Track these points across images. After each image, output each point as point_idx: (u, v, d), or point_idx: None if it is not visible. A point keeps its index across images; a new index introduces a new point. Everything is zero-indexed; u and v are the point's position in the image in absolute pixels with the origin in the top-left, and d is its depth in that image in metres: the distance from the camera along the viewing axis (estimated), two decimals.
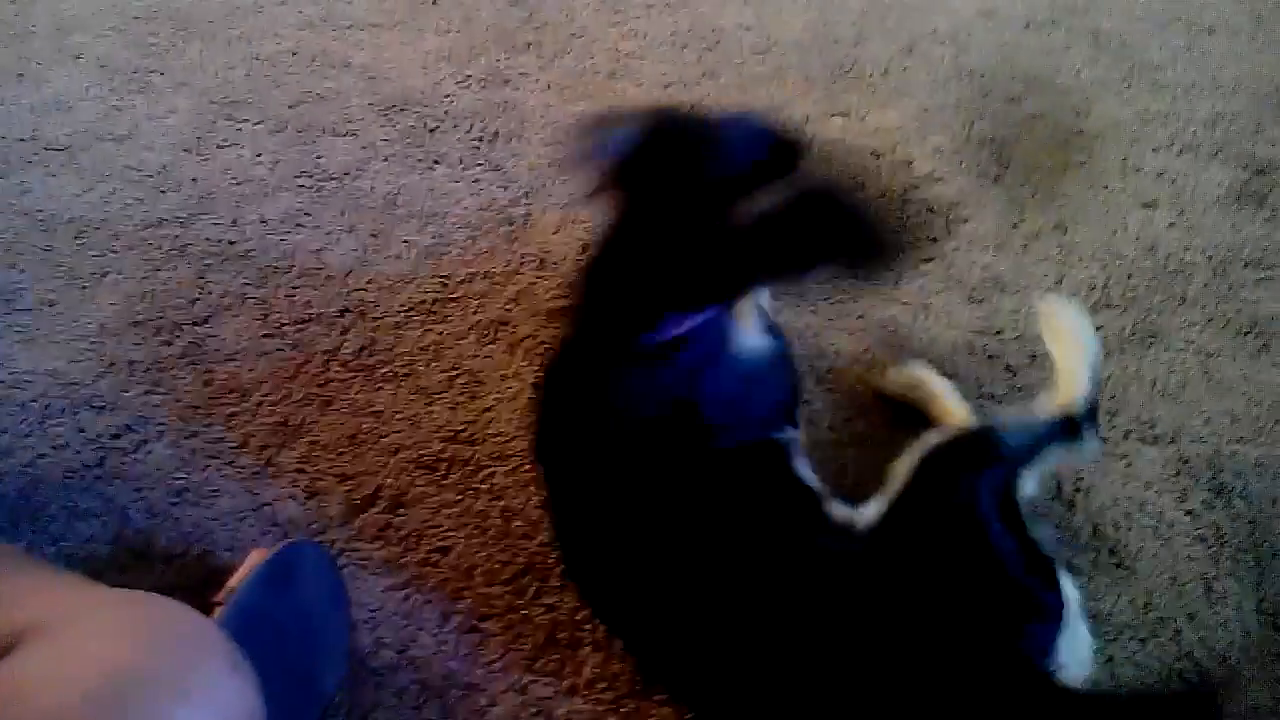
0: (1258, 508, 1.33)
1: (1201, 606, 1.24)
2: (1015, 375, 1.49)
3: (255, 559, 1.16)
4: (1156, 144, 1.88)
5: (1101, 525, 1.31)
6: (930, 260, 1.67)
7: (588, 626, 1.24)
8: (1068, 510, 1.33)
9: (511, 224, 1.75)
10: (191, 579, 1.28)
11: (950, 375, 1.44)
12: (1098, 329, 1.54)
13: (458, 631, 1.24)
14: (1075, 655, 1.00)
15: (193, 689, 0.79)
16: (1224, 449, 1.40)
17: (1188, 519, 1.33)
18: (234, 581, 1.13)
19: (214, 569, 1.29)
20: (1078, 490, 1.35)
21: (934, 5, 2.24)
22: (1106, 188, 1.80)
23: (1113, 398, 1.46)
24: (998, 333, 1.55)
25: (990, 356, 1.52)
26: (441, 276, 1.66)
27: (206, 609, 1.10)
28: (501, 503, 1.37)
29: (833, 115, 1.96)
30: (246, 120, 1.96)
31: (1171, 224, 1.72)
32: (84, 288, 1.63)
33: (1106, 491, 1.35)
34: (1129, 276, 1.64)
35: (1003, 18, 2.20)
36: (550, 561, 1.30)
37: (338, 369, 1.53)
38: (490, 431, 1.45)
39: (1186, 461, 1.39)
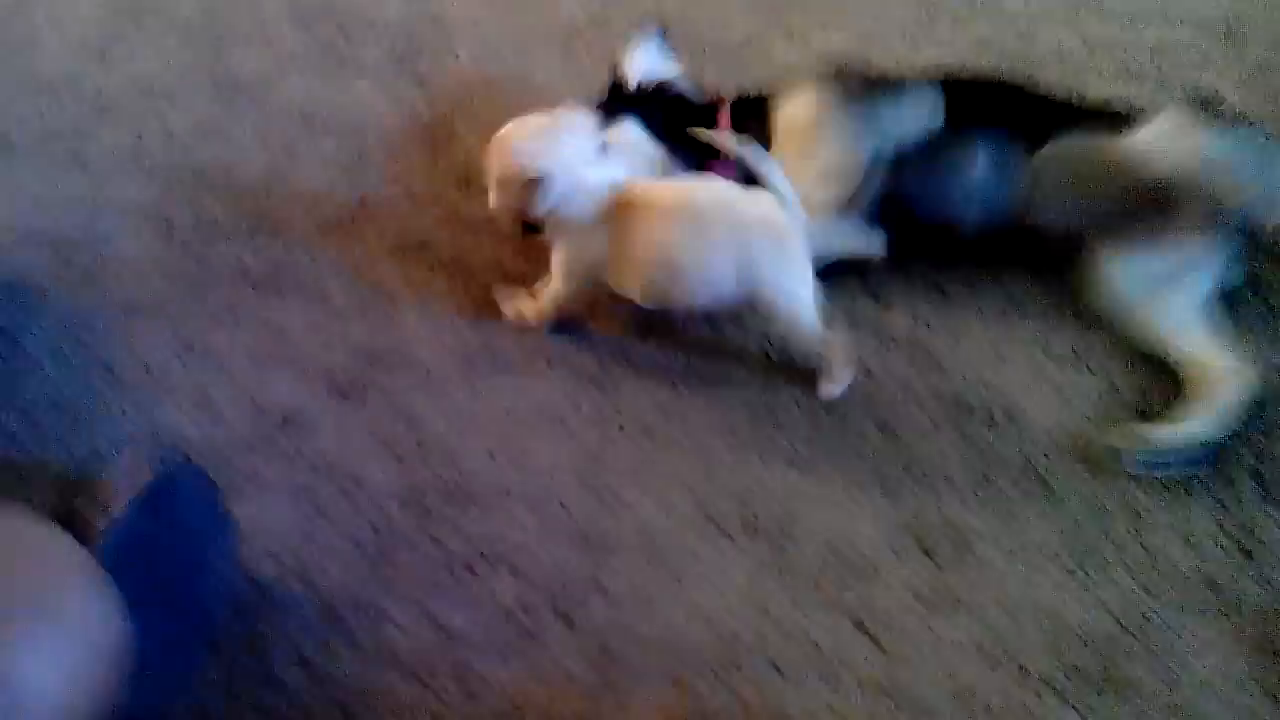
0: None
1: (1126, 534, 1.22)
2: None
3: (128, 463, 1.07)
4: (1101, 71, 1.84)
5: (1032, 455, 1.29)
6: None
7: (508, 553, 1.19)
8: (997, 440, 1.31)
9: (435, 141, 1.67)
10: (83, 500, 1.21)
11: None
12: None
13: (367, 558, 1.19)
14: None
15: (49, 606, 0.74)
16: (1155, 375, 1.37)
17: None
18: (111, 500, 1.06)
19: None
20: (1010, 419, 1.33)
21: None
22: None
23: (1049, 325, 1.43)
24: None
25: None
26: (360, 194, 1.58)
27: (90, 530, 1.04)
28: (418, 427, 1.31)
29: (778, 37, 1.89)
30: (154, 27, 1.85)
31: None
32: None
33: (1038, 422, 1.33)
34: None
35: None
36: (469, 487, 1.25)
37: (246, 289, 1.45)
38: (409, 355, 1.38)
39: (1117, 390, 1.36)
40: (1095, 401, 1.35)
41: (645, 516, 1.23)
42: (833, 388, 1.33)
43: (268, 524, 1.21)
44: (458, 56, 1.82)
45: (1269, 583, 1.17)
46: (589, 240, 1.31)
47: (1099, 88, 1.78)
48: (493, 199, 1.31)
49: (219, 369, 1.35)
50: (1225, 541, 1.21)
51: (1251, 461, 1.28)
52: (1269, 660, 1.11)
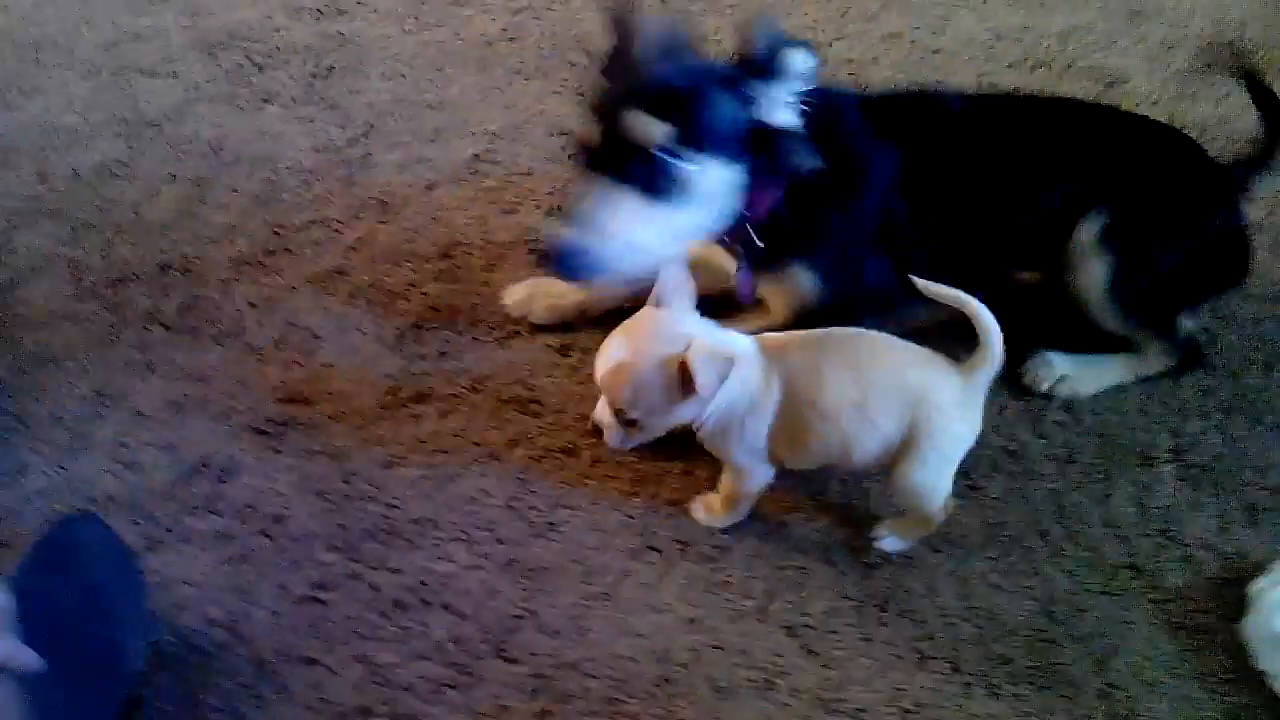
0: (1105, 422, 1.34)
1: (1052, 524, 1.24)
2: None
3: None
4: (1011, 60, 1.86)
5: None
6: None
7: (438, 588, 1.18)
8: None
9: (349, 166, 1.64)
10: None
11: None
12: None
13: (295, 603, 1.17)
14: None
15: None
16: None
17: (1041, 441, 1.32)
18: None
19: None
20: None
21: None
22: None
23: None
24: None
25: None
26: (273, 225, 1.55)
27: None
28: (343, 464, 1.29)
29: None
30: (56, 65, 1.80)
31: None
32: None
33: None
34: None
35: None
36: (396, 522, 1.23)
37: (159, 331, 1.42)
38: (329, 389, 1.36)
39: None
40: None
41: (576, 539, 1.22)
42: (898, 543, 1.20)
43: (191, 574, 1.18)
44: (369, 78, 1.79)
45: (1190, 563, 1.20)
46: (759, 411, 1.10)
47: (1008, 78, 1.81)
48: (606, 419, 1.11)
49: (134, 416, 1.32)
50: (1147, 526, 1.23)
51: (1169, 444, 1.31)
52: (1194, 639, 1.14)
